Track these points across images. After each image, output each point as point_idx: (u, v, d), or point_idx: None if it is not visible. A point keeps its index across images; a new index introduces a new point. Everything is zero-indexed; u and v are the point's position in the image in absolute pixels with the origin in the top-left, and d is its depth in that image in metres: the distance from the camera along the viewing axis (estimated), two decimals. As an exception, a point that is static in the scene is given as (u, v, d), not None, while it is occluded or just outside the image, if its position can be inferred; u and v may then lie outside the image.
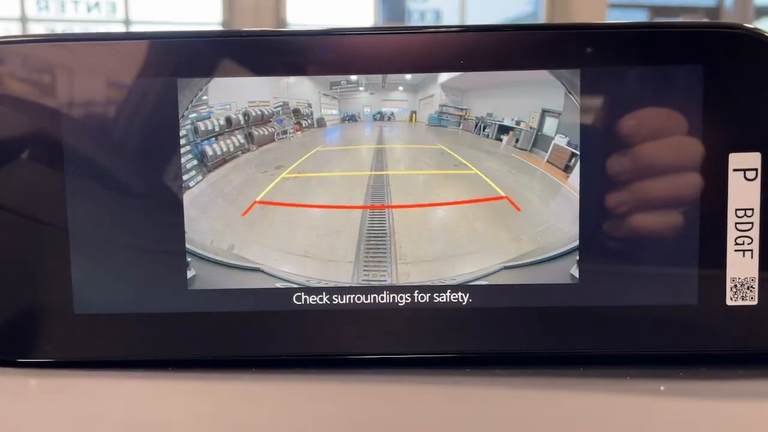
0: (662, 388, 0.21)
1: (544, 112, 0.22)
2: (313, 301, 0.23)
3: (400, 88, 0.22)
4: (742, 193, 0.22)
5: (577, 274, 0.23)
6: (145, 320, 0.23)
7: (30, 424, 0.20)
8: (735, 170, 0.22)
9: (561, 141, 0.22)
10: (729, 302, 0.22)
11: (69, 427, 0.20)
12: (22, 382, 0.22)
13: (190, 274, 0.23)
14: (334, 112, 0.23)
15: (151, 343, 0.23)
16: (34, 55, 0.22)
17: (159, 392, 0.22)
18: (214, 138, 0.23)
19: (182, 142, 0.23)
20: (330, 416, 0.20)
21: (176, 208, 0.23)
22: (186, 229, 0.23)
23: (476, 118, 0.23)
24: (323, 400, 0.21)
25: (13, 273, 0.23)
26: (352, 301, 0.23)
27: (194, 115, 0.23)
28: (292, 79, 0.22)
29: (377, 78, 0.22)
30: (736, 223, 0.22)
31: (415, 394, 0.21)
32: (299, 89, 0.23)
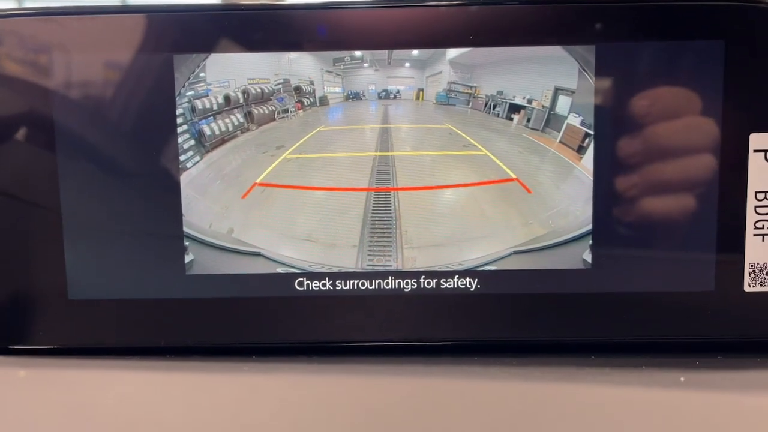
0: (682, 379, 0.20)
1: (557, 91, 0.21)
2: (315, 286, 0.22)
3: (407, 64, 0.22)
4: (762, 175, 0.21)
5: (589, 260, 0.22)
6: (141, 306, 0.22)
7: (22, 413, 0.19)
8: (755, 151, 0.21)
9: (574, 120, 0.21)
10: (747, 288, 0.22)
11: (63, 416, 0.19)
12: (13, 370, 0.21)
13: (188, 258, 0.22)
14: (338, 89, 0.22)
15: (148, 329, 0.22)
16: (22, 30, 0.21)
17: (155, 380, 0.21)
18: (212, 117, 0.22)
19: (179, 121, 0.22)
20: (332, 405, 0.19)
21: (173, 190, 0.22)
22: (183, 211, 0.22)
23: (486, 96, 0.22)
24: (325, 389, 0.20)
25: (4, 258, 0.22)
26: (356, 287, 0.22)
27: (191, 92, 0.22)
28: (293, 55, 0.21)
29: (382, 54, 0.21)
30: (756, 207, 0.21)
31: (422, 383, 0.21)
32: (301, 66, 0.22)
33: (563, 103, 0.21)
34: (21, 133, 0.22)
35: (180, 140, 0.22)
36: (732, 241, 0.22)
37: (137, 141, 0.22)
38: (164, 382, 0.21)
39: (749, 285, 0.22)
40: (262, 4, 0.21)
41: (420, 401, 0.20)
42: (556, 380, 0.20)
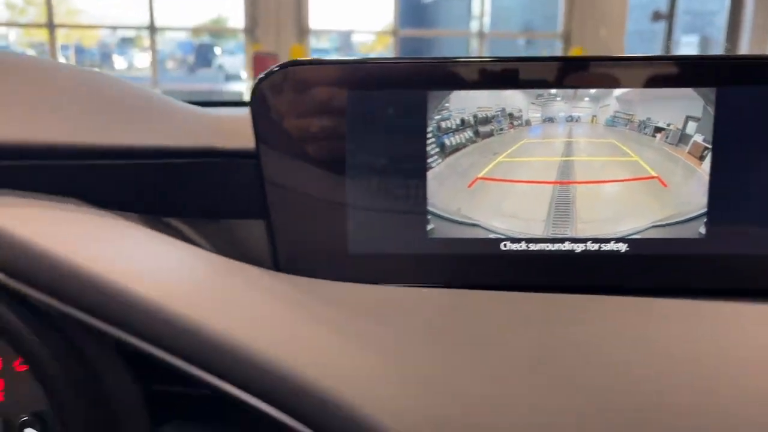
0: None
1: (688, 118, 0.32)
2: (515, 247, 0.33)
3: (586, 98, 0.32)
4: None
5: (704, 231, 0.32)
6: (398, 259, 0.33)
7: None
8: None
9: (698, 138, 0.32)
10: None
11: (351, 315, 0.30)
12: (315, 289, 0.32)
13: (429, 227, 0.33)
14: (538, 115, 0.32)
15: (403, 274, 0.33)
16: (321, 74, 0.32)
17: (407, 304, 0.31)
18: (451, 133, 0.33)
19: (429, 135, 0.32)
20: (520, 319, 0.30)
21: (422, 182, 0.33)
22: (428, 196, 0.33)
23: (639, 120, 0.32)
24: (515, 313, 0.31)
25: (311, 225, 0.33)
26: (543, 248, 0.33)
27: (438, 117, 0.32)
28: (508, 92, 0.32)
29: (570, 91, 0.32)
30: None
31: (585, 312, 0.31)
32: (513, 99, 0.32)
33: (691, 127, 0.32)
34: (323, 146, 0.32)
35: (428, 148, 0.32)
36: None
37: (402, 148, 0.32)
38: (416, 306, 0.31)
39: None
40: (490, 57, 0.32)
41: (585, 325, 0.30)
42: (680, 308, 0.31)
